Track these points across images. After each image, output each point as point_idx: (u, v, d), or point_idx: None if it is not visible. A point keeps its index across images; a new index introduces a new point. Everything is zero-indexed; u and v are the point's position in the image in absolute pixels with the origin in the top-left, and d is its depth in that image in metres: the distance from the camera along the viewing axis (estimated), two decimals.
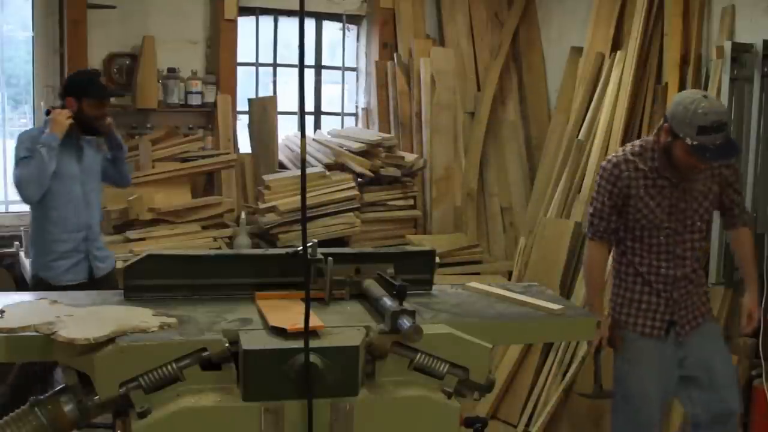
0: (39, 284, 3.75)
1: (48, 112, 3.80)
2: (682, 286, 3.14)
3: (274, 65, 5.71)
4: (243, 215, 4.66)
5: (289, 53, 5.75)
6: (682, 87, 4.51)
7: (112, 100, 4.97)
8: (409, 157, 5.25)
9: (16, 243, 4.70)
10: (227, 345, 2.03)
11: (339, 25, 5.89)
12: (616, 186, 3.08)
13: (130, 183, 4.18)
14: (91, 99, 3.76)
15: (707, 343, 3.19)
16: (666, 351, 3.17)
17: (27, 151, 3.69)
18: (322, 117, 5.97)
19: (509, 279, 5.00)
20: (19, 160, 3.71)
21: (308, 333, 1.95)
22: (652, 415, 3.20)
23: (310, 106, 5.89)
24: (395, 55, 5.71)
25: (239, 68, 5.38)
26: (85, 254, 3.85)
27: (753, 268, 3.29)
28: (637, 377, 3.20)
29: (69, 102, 3.78)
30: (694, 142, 2.84)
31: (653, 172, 3.05)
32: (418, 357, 2.13)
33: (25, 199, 3.77)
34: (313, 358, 1.96)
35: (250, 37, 5.57)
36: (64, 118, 3.71)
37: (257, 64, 5.64)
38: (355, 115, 6.02)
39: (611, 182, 3.08)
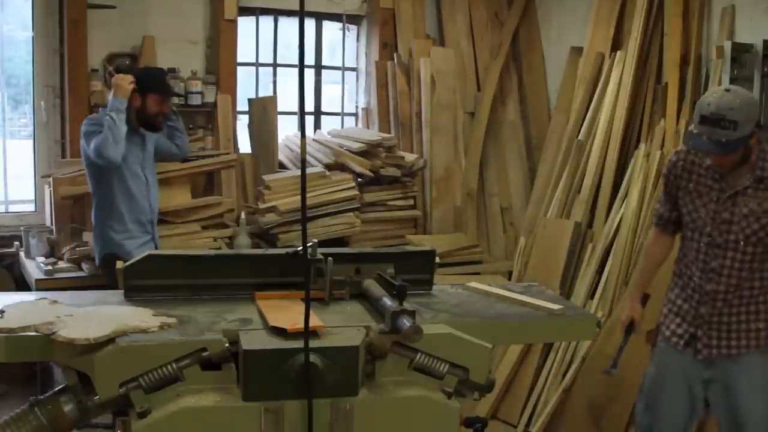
0: (111, 260, 3.78)
1: (111, 75, 3.91)
2: (712, 303, 2.94)
3: (274, 65, 5.71)
4: (243, 215, 4.66)
5: (289, 53, 5.75)
6: (682, 87, 4.51)
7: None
8: (409, 157, 5.25)
9: (16, 243, 4.70)
10: (227, 345, 2.03)
11: (339, 25, 5.89)
12: (671, 174, 3.04)
13: (189, 152, 4.31)
14: (155, 95, 3.87)
15: (740, 376, 2.93)
16: (686, 365, 3.03)
17: (95, 126, 3.78)
18: (322, 117, 5.97)
19: (509, 279, 5.00)
20: (90, 135, 3.77)
21: (308, 333, 1.95)
22: (663, 428, 3.13)
23: (310, 106, 5.89)
24: (395, 55, 5.71)
25: (239, 68, 5.37)
26: (151, 236, 4.03)
27: None
28: (657, 386, 3.12)
29: (134, 97, 3.87)
30: (694, 130, 2.76)
31: (706, 170, 2.93)
32: (418, 357, 2.13)
33: (109, 161, 3.77)
34: (313, 358, 1.96)
35: (250, 37, 5.56)
36: (126, 83, 3.81)
37: (257, 64, 5.64)
38: (355, 115, 6.01)
39: (668, 169, 3.06)
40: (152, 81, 3.94)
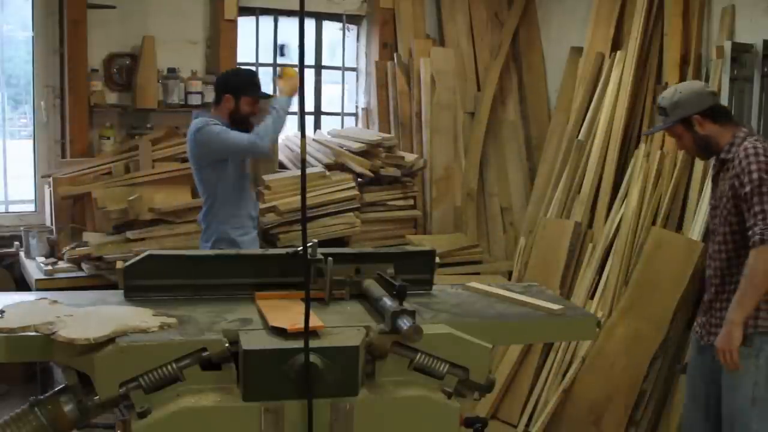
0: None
1: (277, 73, 4.03)
2: (709, 290, 3.04)
3: (274, 65, 5.71)
4: None
5: (289, 53, 5.75)
6: None
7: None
8: (409, 157, 5.25)
9: (16, 243, 4.70)
10: (227, 345, 2.03)
11: (339, 25, 5.89)
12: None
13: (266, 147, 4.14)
14: (248, 98, 3.90)
15: (714, 364, 2.99)
16: (695, 352, 3.14)
17: (219, 126, 3.84)
18: (322, 117, 5.97)
19: (509, 279, 5.00)
20: (224, 132, 3.82)
21: (308, 333, 1.95)
22: (687, 415, 3.21)
23: (310, 106, 5.89)
24: (395, 55, 5.71)
25: None
26: (256, 231, 4.11)
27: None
28: (689, 375, 3.26)
29: (226, 99, 3.91)
30: None
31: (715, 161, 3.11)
32: (418, 357, 2.13)
33: (264, 153, 3.98)
34: (313, 358, 1.96)
35: (250, 37, 5.57)
36: (296, 81, 3.89)
37: (257, 64, 5.64)
38: (355, 115, 6.02)
39: None
40: (244, 83, 3.96)
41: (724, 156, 2.96)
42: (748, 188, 2.79)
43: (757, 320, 2.88)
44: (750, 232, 2.79)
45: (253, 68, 5.62)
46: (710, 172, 3.19)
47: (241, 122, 3.93)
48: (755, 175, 2.78)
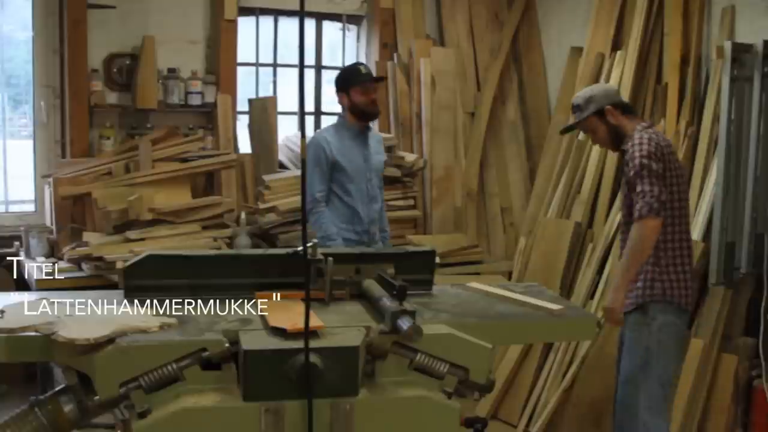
0: None
1: None
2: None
3: (274, 65, 5.71)
4: (243, 215, 4.66)
5: (289, 53, 5.75)
6: (682, 87, 4.51)
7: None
8: (409, 157, 5.25)
9: (16, 243, 4.70)
10: (227, 345, 2.03)
11: (339, 25, 5.89)
12: (665, 157, 3.26)
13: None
14: (355, 87, 3.96)
15: (622, 331, 3.43)
16: None
17: (312, 155, 3.96)
18: (322, 117, 5.97)
19: (509, 279, 5.00)
20: (311, 170, 3.95)
21: (308, 333, 1.95)
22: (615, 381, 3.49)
23: (310, 106, 5.89)
24: (395, 55, 5.70)
25: (239, 68, 5.37)
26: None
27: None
28: None
29: (341, 98, 4.03)
30: None
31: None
32: (418, 357, 2.13)
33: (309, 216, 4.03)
34: (313, 358, 1.96)
35: (250, 37, 5.56)
36: None
37: (257, 64, 5.64)
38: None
39: (662, 153, 3.26)
40: (347, 77, 4.03)
41: (624, 147, 3.27)
42: (632, 173, 3.14)
43: (653, 290, 3.22)
44: (634, 210, 3.13)
45: (253, 68, 5.63)
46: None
47: (362, 114, 4.02)
48: (637, 161, 3.12)
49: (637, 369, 3.24)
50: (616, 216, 4.49)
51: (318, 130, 4.26)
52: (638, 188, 3.11)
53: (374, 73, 4.25)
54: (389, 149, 5.13)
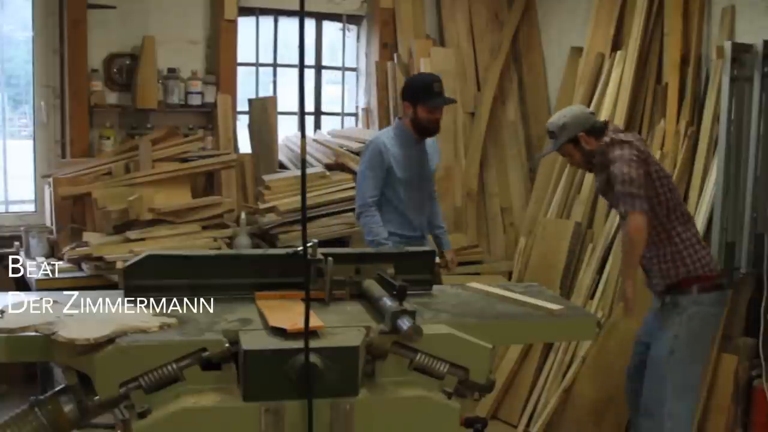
0: None
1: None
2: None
3: (274, 65, 5.71)
4: (243, 215, 4.66)
5: (289, 53, 5.75)
6: (682, 87, 4.51)
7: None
8: None
9: (16, 243, 4.70)
10: (227, 345, 2.03)
11: (339, 25, 5.89)
12: (648, 159, 3.40)
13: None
14: (423, 106, 3.90)
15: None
16: None
17: (367, 161, 4.00)
18: (322, 117, 5.97)
19: (509, 279, 5.00)
20: (362, 176, 4.01)
21: (308, 333, 1.95)
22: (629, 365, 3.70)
23: (310, 106, 5.89)
24: (395, 55, 5.70)
25: (239, 68, 5.37)
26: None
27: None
28: None
29: (406, 106, 3.98)
30: None
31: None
32: (418, 357, 2.13)
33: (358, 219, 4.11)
34: (313, 358, 1.96)
35: (250, 37, 5.56)
36: None
37: (257, 64, 5.64)
38: (355, 115, 6.01)
39: (645, 155, 3.39)
40: (419, 90, 3.94)
41: (598, 161, 3.41)
42: (618, 186, 3.26)
43: (678, 272, 3.32)
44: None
45: (253, 68, 5.62)
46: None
47: (422, 130, 3.98)
48: (617, 173, 3.24)
49: (665, 356, 3.32)
50: (617, 216, 4.49)
51: (377, 134, 4.17)
52: (620, 193, 3.25)
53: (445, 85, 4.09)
54: None
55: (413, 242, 3.98)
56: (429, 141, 4.15)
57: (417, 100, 3.91)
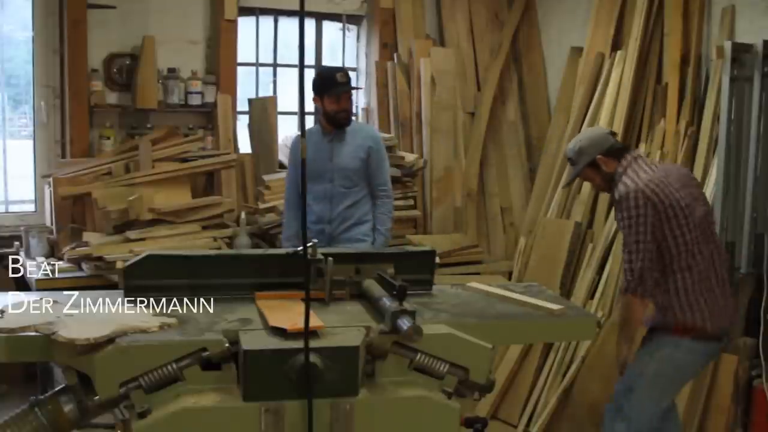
0: None
1: None
2: None
3: (274, 65, 5.71)
4: (243, 215, 4.66)
5: (289, 53, 5.74)
6: (682, 87, 4.52)
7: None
8: (409, 157, 5.25)
9: (16, 243, 4.70)
10: (227, 345, 2.03)
11: (339, 25, 5.89)
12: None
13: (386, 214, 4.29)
14: (328, 97, 3.98)
15: None
16: None
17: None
18: None
19: (509, 279, 5.00)
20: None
21: (308, 333, 1.95)
22: None
23: (310, 106, 5.87)
24: (395, 55, 5.71)
25: (239, 68, 5.37)
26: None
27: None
28: None
29: (315, 101, 4.10)
30: None
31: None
32: (418, 357, 2.14)
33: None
34: (313, 358, 1.96)
35: (250, 37, 5.56)
36: None
37: (257, 64, 5.64)
38: (355, 115, 6.01)
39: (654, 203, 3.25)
40: (322, 83, 4.04)
41: (614, 192, 3.24)
42: (621, 227, 3.13)
43: (665, 318, 3.15)
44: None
45: (253, 68, 5.62)
46: None
47: (332, 121, 4.06)
48: (623, 218, 3.09)
49: (624, 387, 3.22)
50: None
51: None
52: (625, 257, 3.11)
53: (362, 78, 4.20)
54: (389, 149, 5.13)
55: (317, 236, 3.99)
56: (360, 135, 4.16)
57: (323, 93, 4.01)
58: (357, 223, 4.16)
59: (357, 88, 4.16)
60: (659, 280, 3.13)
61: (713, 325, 3.11)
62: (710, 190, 4.08)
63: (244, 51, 5.44)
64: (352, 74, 5.97)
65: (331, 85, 3.99)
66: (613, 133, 3.42)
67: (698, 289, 3.10)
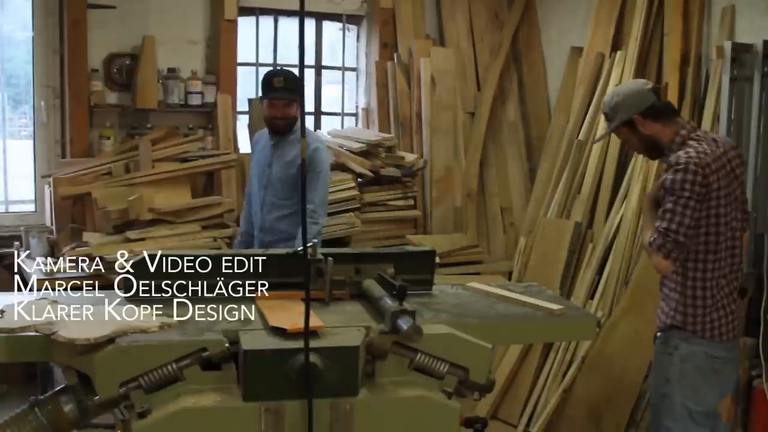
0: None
1: None
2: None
3: (274, 65, 5.71)
4: None
5: (289, 53, 5.74)
6: (682, 87, 4.51)
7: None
8: (409, 157, 5.25)
9: (16, 243, 4.70)
10: (227, 345, 2.03)
11: (339, 25, 5.89)
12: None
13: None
14: (266, 99, 3.77)
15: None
16: None
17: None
18: (322, 117, 5.97)
19: (509, 279, 5.00)
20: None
21: (308, 333, 1.95)
22: None
23: (310, 106, 5.89)
24: (395, 55, 5.70)
25: (239, 68, 5.37)
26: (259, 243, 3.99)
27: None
28: None
29: (264, 103, 3.81)
30: None
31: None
32: (418, 357, 2.14)
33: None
34: (313, 358, 1.96)
35: (250, 37, 5.56)
36: None
37: (257, 64, 5.64)
38: (355, 115, 6.01)
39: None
40: (261, 85, 3.81)
41: (665, 160, 2.88)
42: (664, 192, 2.81)
43: (674, 318, 2.88)
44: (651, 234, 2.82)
45: (253, 68, 5.62)
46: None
47: (269, 127, 3.85)
48: (671, 183, 2.76)
49: (659, 399, 2.95)
50: (617, 216, 4.50)
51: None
52: (661, 213, 2.80)
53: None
54: (389, 149, 5.13)
55: (254, 242, 3.95)
56: (309, 146, 3.65)
57: (263, 96, 3.80)
58: (283, 239, 3.73)
59: (294, 99, 3.74)
60: (681, 275, 2.85)
61: (730, 326, 2.90)
62: None
63: (244, 51, 5.44)
64: (352, 74, 5.99)
65: (267, 89, 3.74)
66: (656, 90, 3.00)
67: (725, 291, 2.88)
